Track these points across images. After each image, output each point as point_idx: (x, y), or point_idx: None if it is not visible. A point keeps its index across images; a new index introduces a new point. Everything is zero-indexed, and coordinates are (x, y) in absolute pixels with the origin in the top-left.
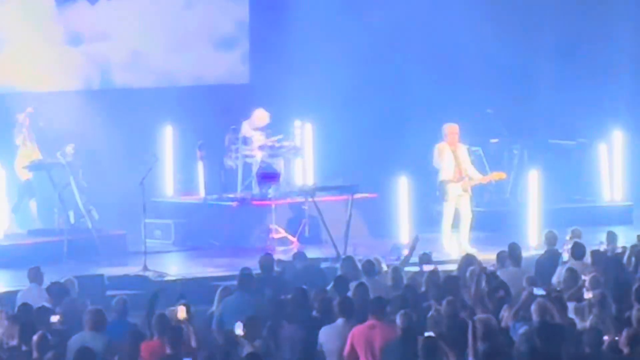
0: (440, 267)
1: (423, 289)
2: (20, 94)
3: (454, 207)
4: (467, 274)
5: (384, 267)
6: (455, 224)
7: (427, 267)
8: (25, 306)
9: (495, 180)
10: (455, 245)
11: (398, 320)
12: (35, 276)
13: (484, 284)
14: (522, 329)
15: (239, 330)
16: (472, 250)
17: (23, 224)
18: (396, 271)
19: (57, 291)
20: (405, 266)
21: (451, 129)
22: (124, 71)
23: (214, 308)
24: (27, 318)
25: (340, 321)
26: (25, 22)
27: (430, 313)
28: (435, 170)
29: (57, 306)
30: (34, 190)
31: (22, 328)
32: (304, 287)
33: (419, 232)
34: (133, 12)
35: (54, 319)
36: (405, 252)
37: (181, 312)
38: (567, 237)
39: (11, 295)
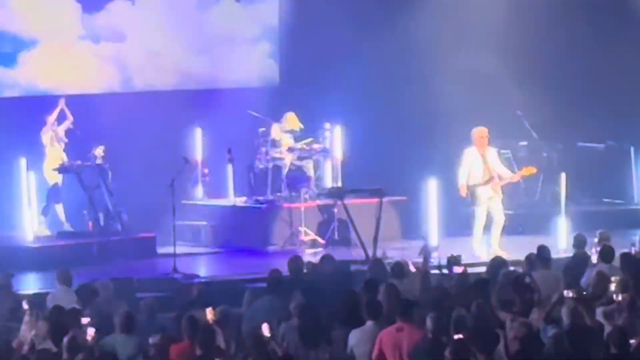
0: (470, 270)
1: (453, 291)
2: (49, 97)
3: (486, 211)
4: (499, 276)
5: (412, 269)
6: (487, 226)
7: (457, 269)
8: (56, 308)
9: (527, 176)
10: (485, 248)
11: (428, 322)
12: (65, 278)
13: (513, 286)
14: (552, 332)
15: (266, 331)
16: (502, 253)
17: (53, 226)
18: (425, 274)
19: (86, 293)
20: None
21: (479, 133)
22: (154, 73)
23: (242, 310)
24: (58, 320)
25: (369, 324)
26: (55, 24)
27: (459, 315)
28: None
29: (86, 308)
30: (61, 195)
31: (54, 330)
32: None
33: (448, 234)
34: (164, 14)
35: (85, 321)
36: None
37: (210, 314)
38: (596, 240)
39: (41, 297)
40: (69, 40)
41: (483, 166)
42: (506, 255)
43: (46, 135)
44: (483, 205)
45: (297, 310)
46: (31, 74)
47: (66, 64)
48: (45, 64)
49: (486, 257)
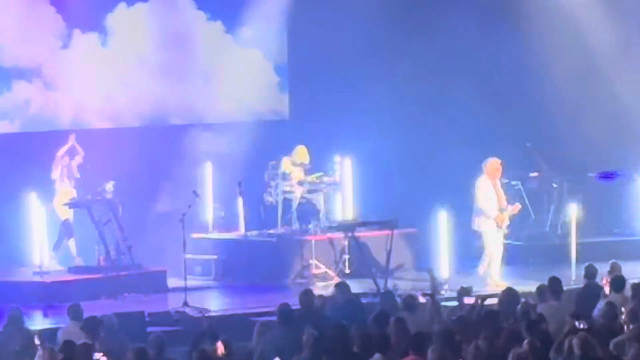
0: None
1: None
2: (59, 131)
3: (502, 238)
4: (512, 308)
5: (422, 301)
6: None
7: (468, 300)
8: (68, 343)
9: (514, 214)
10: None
11: (429, 355)
12: (76, 313)
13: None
14: None
15: None
16: (503, 284)
17: (64, 261)
18: (435, 306)
19: (93, 326)
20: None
21: (495, 164)
22: (164, 108)
23: (253, 344)
24: (70, 355)
25: (377, 357)
26: (67, 61)
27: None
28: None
29: (94, 342)
30: (72, 230)
31: None
32: (343, 323)
33: (459, 266)
34: (174, 47)
35: (98, 355)
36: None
37: (220, 349)
38: (607, 271)
39: (52, 332)
40: (78, 73)
41: (496, 196)
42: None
43: (56, 171)
44: (500, 232)
45: (309, 342)
46: (40, 108)
47: (75, 98)
48: (55, 98)
49: (492, 288)
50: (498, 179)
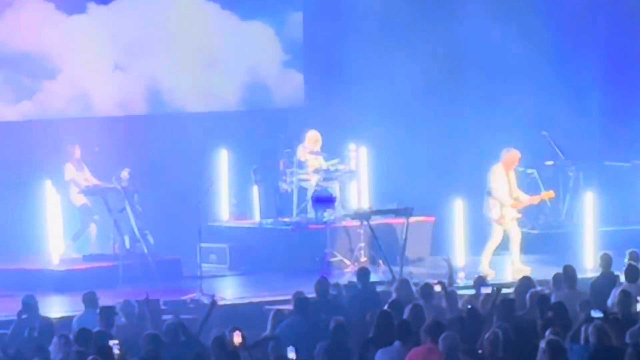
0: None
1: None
2: (75, 120)
3: (503, 231)
4: (527, 296)
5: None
6: (504, 245)
7: (485, 290)
8: (83, 331)
9: (545, 200)
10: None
11: (440, 344)
12: (91, 301)
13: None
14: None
15: (291, 354)
16: (527, 269)
17: (79, 249)
18: (451, 294)
19: (108, 314)
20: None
21: (513, 155)
22: (179, 95)
23: (267, 332)
24: (85, 343)
25: (397, 344)
26: (80, 48)
27: (487, 335)
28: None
29: (109, 330)
30: (92, 214)
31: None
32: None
33: (475, 254)
34: (191, 36)
35: (113, 343)
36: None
37: (237, 337)
38: (625, 260)
39: (67, 320)
40: (93, 62)
41: (508, 187)
42: (529, 272)
43: (67, 170)
44: (505, 226)
45: (332, 330)
46: (55, 96)
47: (91, 85)
48: (70, 86)
49: (511, 275)
50: (512, 169)
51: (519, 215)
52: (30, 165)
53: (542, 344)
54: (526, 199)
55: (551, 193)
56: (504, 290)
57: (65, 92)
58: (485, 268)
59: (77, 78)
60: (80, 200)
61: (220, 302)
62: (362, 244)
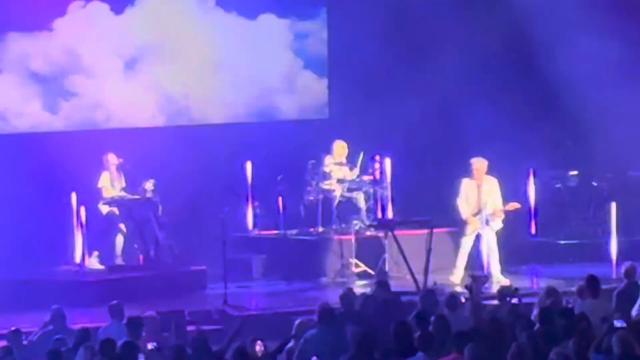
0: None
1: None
2: (101, 131)
3: (471, 242)
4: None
5: (463, 300)
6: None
7: (509, 299)
8: (107, 342)
9: (511, 211)
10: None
11: (466, 354)
12: (116, 312)
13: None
14: None
15: None
16: (506, 281)
17: (104, 260)
18: (476, 305)
19: (135, 325)
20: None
21: (476, 164)
22: (204, 107)
23: (291, 343)
24: (110, 354)
25: (419, 355)
26: (110, 61)
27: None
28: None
29: (137, 340)
30: (117, 225)
31: None
32: (385, 321)
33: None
34: (215, 48)
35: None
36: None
37: (259, 347)
38: None
39: (92, 331)
40: (119, 74)
41: (477, 197)
42: (508, 284)
43: (103, 178)
44: (469, 237)
45: (355, 340)
46: (81, 107)
47: (116, 97)
48: (96, 97)
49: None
50: (484, 178)
51: (488, 226)
52: (58, 176)
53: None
54: (496, 208)
55: (516, 205)
56: (528, 300)
57: (90, 103)
58: (452, 277)
59: (101, 89)
60: (107, 209)
61: (246, 314)
62: (387, 255)
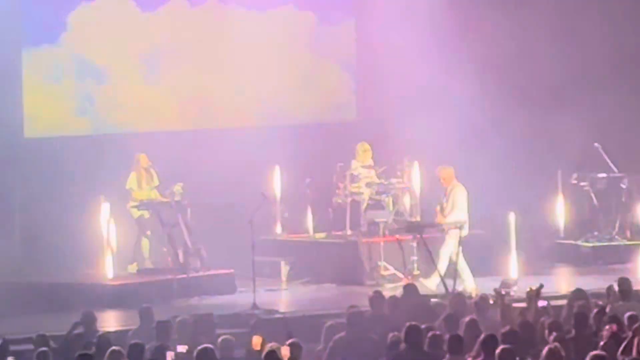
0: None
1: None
2: (131, 135)
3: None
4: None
5: (491, 303)
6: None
7: (541, 303)
8: (135, 345)
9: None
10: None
11: (496, 356)
12: (146, 315)
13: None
14: None
15: None
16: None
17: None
18: (506, 307)
19: (164, 329)
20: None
21: (440, 172)
22: (231, 111)
23: (321, 346)
24: (137, 357)
25: (448, 358)
26: (137, 65)
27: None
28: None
29: (167, 344)
30: (147, 228)
31: None
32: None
33: (528, 268)
34: (238, 51)
35: (181, 348)
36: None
37: (285, 351)
38: None
39: (122, 334)
40: (148, 77)
41: (445, 203)
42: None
43: (131, 179)
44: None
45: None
46: (108, 112)
47: (144, 101)
48: (123, 101)
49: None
50: (449, 185)
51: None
52: (83, 181)
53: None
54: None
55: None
56: (557, 302)
57: (120, 107)
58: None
59: (131, 92)
60: (137, 213)
61: (275, 316)
62: (415, 258)
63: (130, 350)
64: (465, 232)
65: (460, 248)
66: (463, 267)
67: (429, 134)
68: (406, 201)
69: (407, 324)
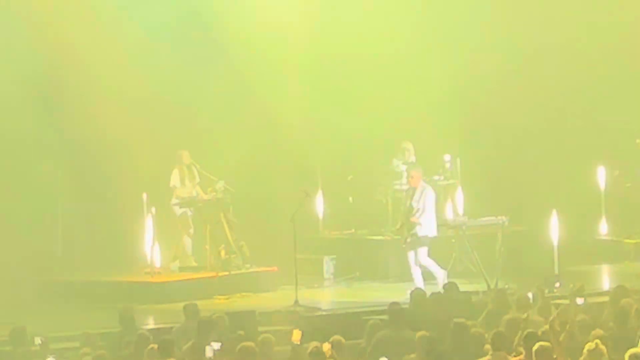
0: (593, 300)
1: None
2: (174, 132)
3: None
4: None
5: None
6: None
7: (580, 300)
8: (164, 342)
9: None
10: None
11: (534, 353)
12: (192, 313)
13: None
14: None
15: None
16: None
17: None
18: (545, 305)
19: (205, 326)
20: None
21: (409, 171)
22: (274, 107)
23: (363, 343)
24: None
25: (491, 354)
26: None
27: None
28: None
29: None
30: (190, 224)
31: None
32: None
33: (569, 265)
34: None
35: (216, 346)
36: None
37: (327, 347)
38: None
39: (166, 331)
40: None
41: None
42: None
43: (174, 177)
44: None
45: (421, 343)
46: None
47: (191, 99)
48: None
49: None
50: (416, 186)
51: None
52: (130, 177)
53: None
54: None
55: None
56: (600, 299)
57: (161, 104)
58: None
59: (173, 91)
60: (180, 210)
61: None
62: (457, 254)
63: (160, 347)
64: (434, 233)
65: (426, 249)
66: (429, 263)
67: (471, 130)
68: (449, 197)
69: (454, 320)
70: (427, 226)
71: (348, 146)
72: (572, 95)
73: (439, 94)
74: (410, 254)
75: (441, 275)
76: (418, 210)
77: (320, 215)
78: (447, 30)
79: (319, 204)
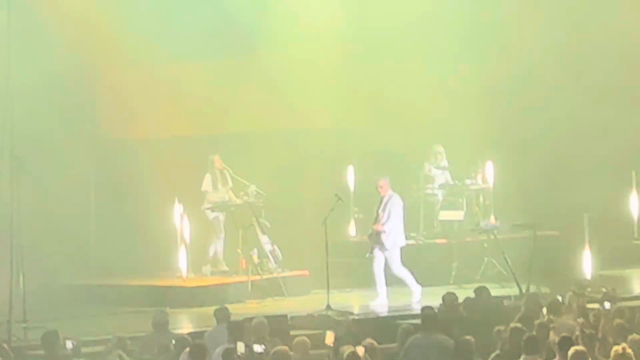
0: (626, 304)
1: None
2: (205, 137)
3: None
4: None
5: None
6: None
7: (608, 304)
8: (196, 346)
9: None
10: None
11: (569, 357)
12: (223, 316)
13: None
14: None
15: None
16: None
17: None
18: (580, 310)
19: (236, 330)
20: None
21: (378, 181)
22: (305, 111)
23: (396, 347)
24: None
25: (523, 358)
26: (213, 67)
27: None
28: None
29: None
30: (222, 228)
31: None
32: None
33: (601, 269)
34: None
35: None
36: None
37: (360, 352)
38: None
39: (199, 335)
40: (227, 80)
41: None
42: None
43: (206, 181)
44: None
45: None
46: (185, 113)
47: (217, 102)
48: (199, 103)
49: None
50: (384, 195)
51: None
52: (160, 183)
53: None
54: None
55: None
56: (632, 304)
57: (193, 109)
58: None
59: (204, 95)
60: (212, 215)
61: (349, 317)
62: (489, 258)
63: (191, 350)
64: (403, 242)
65: (398, 259)
66: (404, 274)
67: (503, 135)
68: (480, 202)
69: (512, 325)
70: (393, 235)
71: (380, 150)
72: (605, 98)
73: (471, 97)
74: (377, 263)
75: (417, 290)
76: (382, 218)
77: (352, 219)
78: (480, 32)
79: (351, 208)
